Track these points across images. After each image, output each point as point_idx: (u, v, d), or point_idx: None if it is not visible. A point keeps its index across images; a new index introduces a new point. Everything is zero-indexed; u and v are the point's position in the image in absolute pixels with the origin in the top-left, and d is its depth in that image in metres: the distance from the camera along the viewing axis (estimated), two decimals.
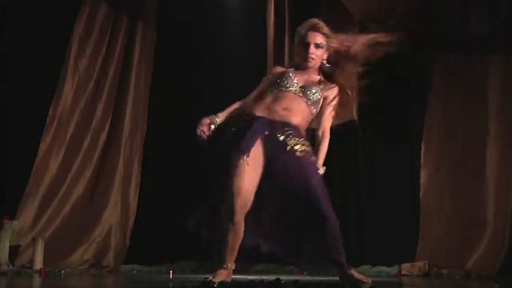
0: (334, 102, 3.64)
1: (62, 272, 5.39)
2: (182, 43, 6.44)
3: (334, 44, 3.62)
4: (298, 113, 3.52)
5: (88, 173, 6.06)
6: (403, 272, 5.58)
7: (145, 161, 6.29)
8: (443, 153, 5.75)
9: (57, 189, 5.90)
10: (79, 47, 6.14)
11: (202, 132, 3.50)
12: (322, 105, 3.61)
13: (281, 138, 3.41)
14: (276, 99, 3.51)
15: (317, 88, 3.56)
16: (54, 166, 5.91)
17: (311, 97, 3.54)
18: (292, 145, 3.41)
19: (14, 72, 6.05)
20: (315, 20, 3.66)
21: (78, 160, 6.03)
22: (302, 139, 3.44)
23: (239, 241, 3.36)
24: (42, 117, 5.93)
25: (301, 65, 3.65)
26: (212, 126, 3.51)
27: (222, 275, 3.32)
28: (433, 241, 5.66)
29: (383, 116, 6.11)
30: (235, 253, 3.38)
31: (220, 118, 3.55)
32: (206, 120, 3.51)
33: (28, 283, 3.92)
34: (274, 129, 3.43)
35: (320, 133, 3.62)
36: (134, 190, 6.19)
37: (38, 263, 5.35)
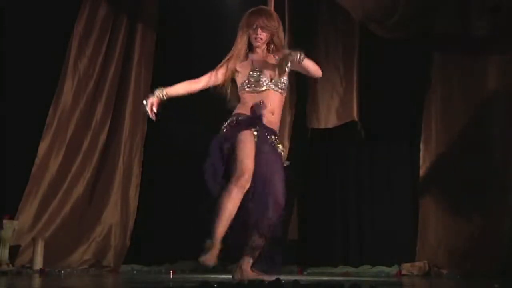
0: (298, 56, 3.79)
1: (62, 272, 5.39)
2: (182, 43, 6.44)
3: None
4: (278, 112, 3.90)
5: (88, 173, 6.05)
6: (403, 272, 5.58)
7: (145, 161, 6.29)
8: (442, 153, 5.74)
9: (57, 189, 5.90)
10: (79, 47, 6.14)
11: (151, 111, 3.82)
12: (296, 63, 3.83)
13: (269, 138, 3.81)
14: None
15: (284, 75, 3.88)
16: (54, 166, 5.90)
17: (281, 85, 3.89)
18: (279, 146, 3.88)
19: (14, 72, 6.05)
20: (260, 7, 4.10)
21: (78, 160, 6.02)
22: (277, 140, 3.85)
23: (231, 218, 3.61)
24: (42, 117, 5.93)
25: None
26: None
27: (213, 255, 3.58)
28: (433, 241, 5.66)
29: (382, 116, 6.11)
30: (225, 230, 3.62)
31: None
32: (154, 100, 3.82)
33: (28, 283, 3.92)
34: (264, 131, 3.79)
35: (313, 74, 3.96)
36: (134, 190, 6.19)
37: (38, 263, 5.36)
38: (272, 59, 3.95)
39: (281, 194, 3.74)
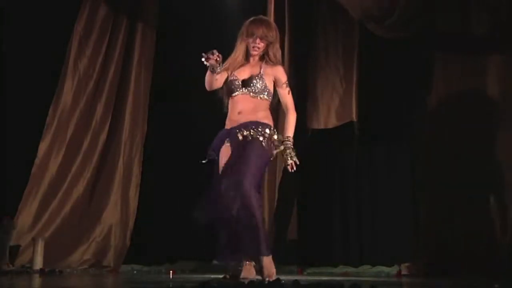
0: (284, 79, 4.11)
1: (62, 272, 5.39)
2: (182, 43, 6.44)
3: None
4: (248, 111, 4.01)
5: (88, 173, 6.06)
6: (403, 272, 5.58)
7: (145, 161, 6.29)
8: (442, 152, 5.74)
9: (57, 189, 5.90)
10: (79, 47, 6.14)
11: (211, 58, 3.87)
12: (277, 85, 4.12)
13: (238, 135, 3.95)
14: (231, 108, 4.07)
15: (257, 78, 4.04)
16: (54, 166, 5.91)
17: (254, 88, 4.03)
18: (243, 133, 3.94)
19: (14, 72, 6.05)
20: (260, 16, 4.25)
21: (78, 160, 6.03)
22: (253, 130, 3.94)
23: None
24: (42, 117, 5.93)
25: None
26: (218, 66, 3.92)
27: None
28: (433, 241, 5.65)
29: (382, 116, 6.11)
30: None
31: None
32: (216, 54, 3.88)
33: (28, 283, 3.92)
34: (232, 132, 3.98)
35: (284, 109, 4.16)
36: (134, 190, 6.19)
37: (38, 263, 5.36)
38: (257, 67, 4.08)
39: (247, 177, 3.79)
